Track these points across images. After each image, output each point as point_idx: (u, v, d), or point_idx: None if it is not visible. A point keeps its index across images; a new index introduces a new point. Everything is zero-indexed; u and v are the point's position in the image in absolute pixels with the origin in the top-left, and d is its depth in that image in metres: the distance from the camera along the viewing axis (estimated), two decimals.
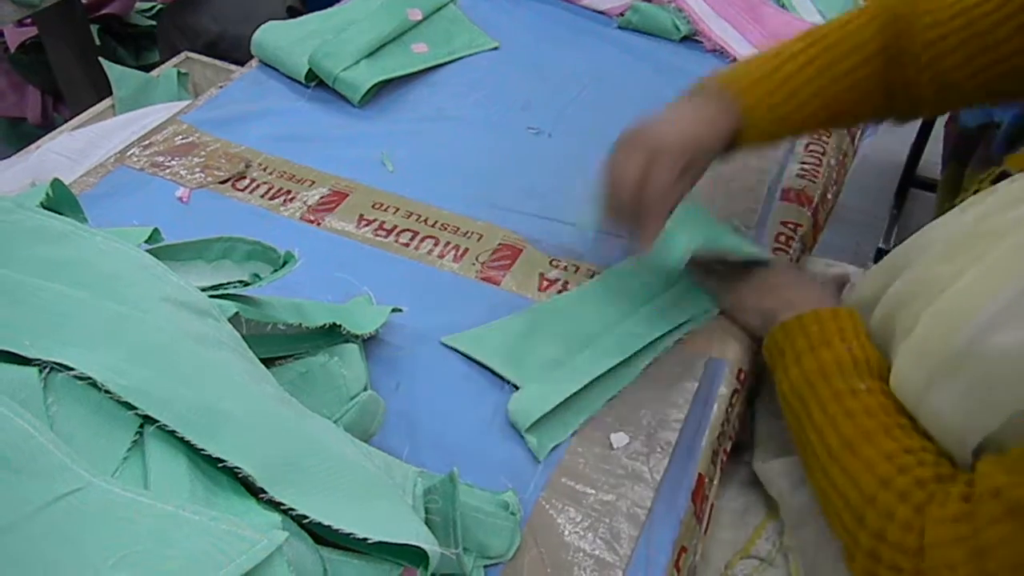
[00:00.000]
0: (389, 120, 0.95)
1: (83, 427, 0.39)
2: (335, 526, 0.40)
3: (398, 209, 0.82)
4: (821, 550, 0.59)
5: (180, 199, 0.81)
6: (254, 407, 0.43)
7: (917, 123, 1.72)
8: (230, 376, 0.44)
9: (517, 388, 0.64)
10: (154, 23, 1.84)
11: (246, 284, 0.57)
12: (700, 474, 0.61)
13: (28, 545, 0.33)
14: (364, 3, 1.04)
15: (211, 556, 0.34)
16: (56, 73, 1.59)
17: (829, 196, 0.92)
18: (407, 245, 0.78)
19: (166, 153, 0.87)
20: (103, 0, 1.77)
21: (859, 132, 1.06)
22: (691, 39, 1.11)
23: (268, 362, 0.56)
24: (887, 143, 1.85)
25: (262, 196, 0.83)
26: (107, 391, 0.40)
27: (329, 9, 1.06)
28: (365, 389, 0.59)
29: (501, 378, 0.66)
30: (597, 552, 0.56)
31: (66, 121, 1.29)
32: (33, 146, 1.18)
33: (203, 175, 0.84)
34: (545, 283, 0.75)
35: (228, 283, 0.56)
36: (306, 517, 0.40)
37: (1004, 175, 0.61)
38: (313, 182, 0.85)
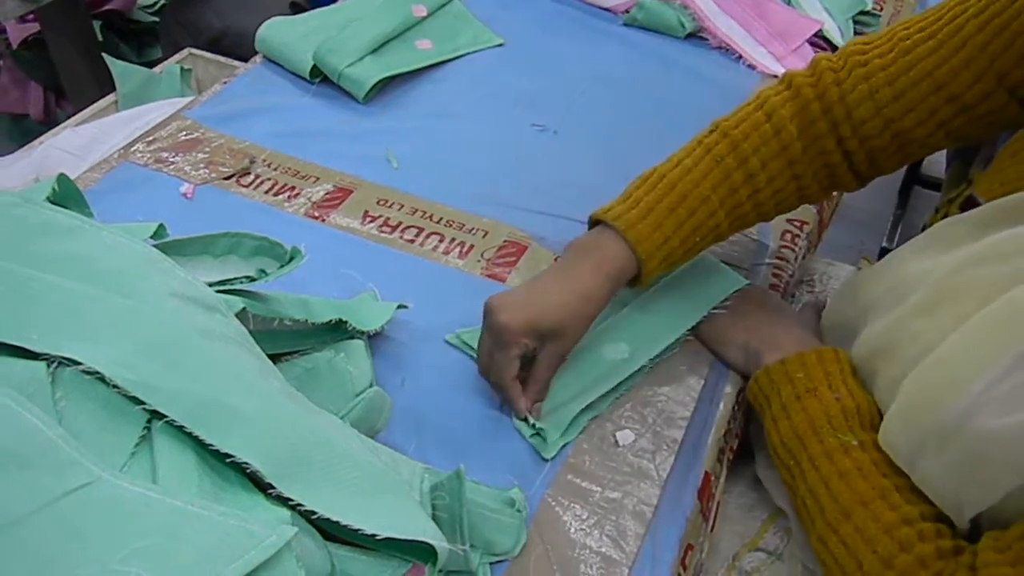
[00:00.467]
0: (393, 116, 0.94)
1: (91, 422, 0.39)
2: (343, 522, 0.40)
3: (403, 206, 0.82)
4: None
5: (184, 195, 0.81)
6: (262, 402, 0.43)
7: None
8: (238, 371, 0.44)
9: None
10: (157, 19, 1.84)
11: (252, 280, 0.57)
12: (706, 472, 0.61)
13: (37, 539, 0.33)
14: None
15: (221, 551, 0.34)
16: (59, 69, 1.59)
17: (834, 193, 0.92)
18: (412, 242, 0.78)
19: (170, 149, 0.87)
20: None
21: None
22: (696, 36, 1.11)
23: (274, 358, 0.56)
24: None
25: (266, 192, 0.83)
26: (115, 386, 0.40)
27: (333, 5, 1.06)
28: (371, 385, 0.59)
29: None
30: (603, 549, 0.55)
31: (69, 117, 1.29)
32: (36, 142, 1.18)
33: (207, 171, 0.84)
34: None
35: (235, 278, 0.56)
36: (314, 513, 0.40)
37: (972, 200, 0.60)
38: (318, 178, 0.85)
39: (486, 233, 0.79)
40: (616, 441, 0.62)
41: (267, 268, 0.57)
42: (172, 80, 1.41)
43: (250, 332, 0.50)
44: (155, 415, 0.40)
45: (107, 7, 1.76)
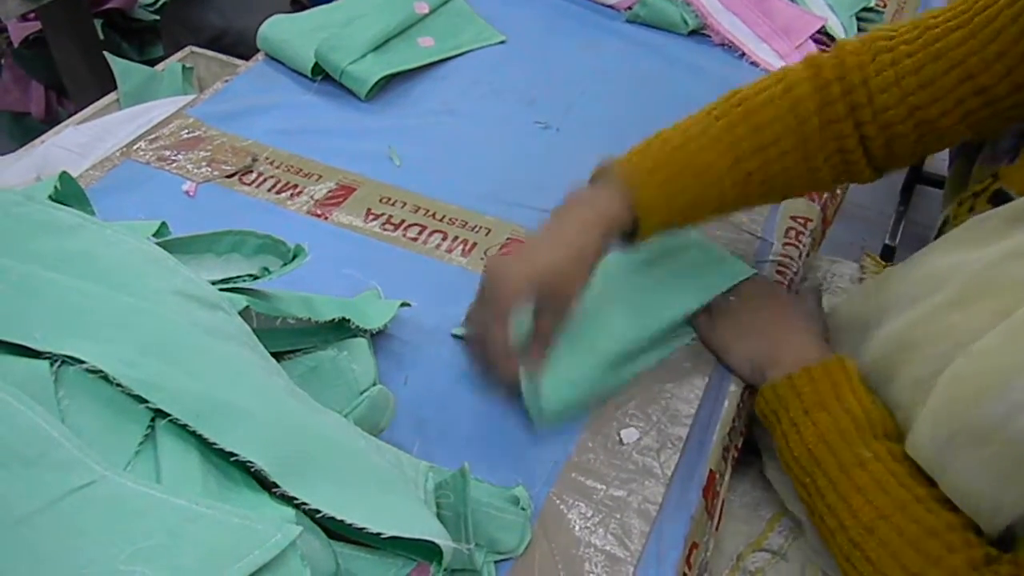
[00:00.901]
0: (396, 114, 0.94)
1: (95, 420, 0.39)
2: (348, 520, 0.40)
3: (406, 203, 0.82)
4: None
5: (187, 193, 0.81)
6: (266, 401, 0.43)
7: None
8: (241, 369, 0.44)
9: None
10: (158, 17, 1.84)
11: (255, 278, 0.57)
12: (711, 470, 0.61)
13: (41, 539, 0.33)
14: None
15: (225, 550, 0.34)
16: (60, 68, 1.59)
17: (838, 190, 0.92)
18: (415, 239, 0.78)
19: (172, 147, 0.86)
20: None
21: None
22: (699, 33, 1.10)
23: (278, 356, 0.56)
24: None
25: (269, 190, 0.82)
26: (118, 384, 0.39)
27: (335, 2, 1.06)
28: (374, 384, 0.59)
29: None
30: (608, 548, 0.55)
31: (70, 116, 1.29)
32: (38, 140, 1.18)
33: (210, 169, 0.84)
34: None
35: (238, 276, 0.56)
36: (319, 511, 0.40)
37: (1001, 193, 0.59)
38: (320, 176, 0.84)
39: (489, 231, 0.79)
40: (621, 439, 0.62)
41: (270, 266, 0.57)
42: (174, 78, 1.41)
43: (253, 330, 0.50)
44: (159, 414, 0.40)
45: (108, 5, 1.76)
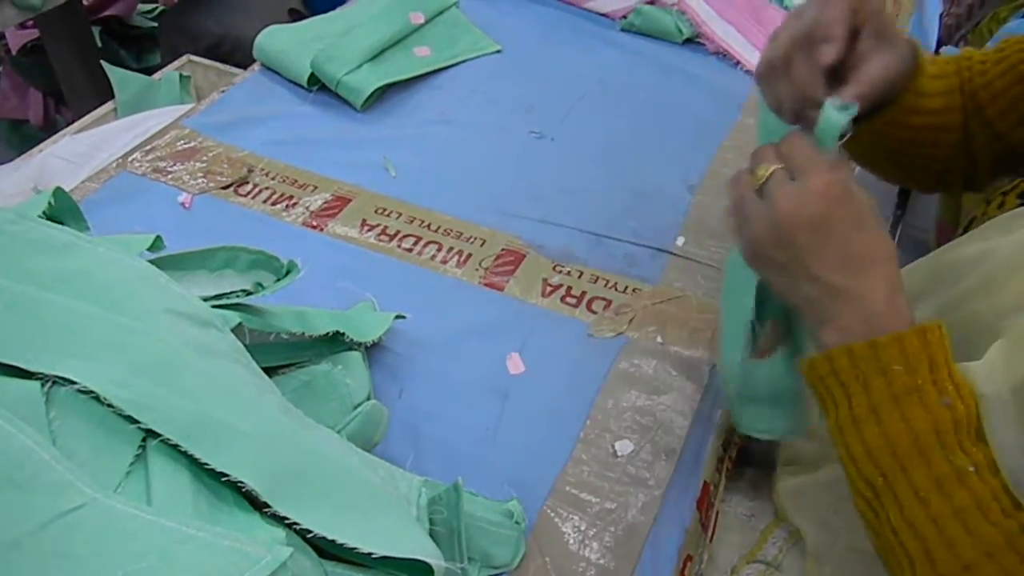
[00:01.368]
0: (391, 124, 0.94)
1: (85, 442, 0.39)
2: (339, 540, 0.40)
3: (401, 214, 0.82)
4: None
5: (183, 205, 0.81)
6: (257, 419, 0.43)
7: None
8: (233, 388, 0.44)
9: None
10: (155, 25, 1.84)
11: (249, 293, 0.57)
12: (705, 482, 0.61)
13: (31, 562, 0.33)
14: (366, 7, 1.04)
15: (215, 573, 0.34)
16: (58, 75, 1.59)
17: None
18: (410, 251, 0.78)
19: (168, 158, 0.87)
20: (105, 2, 1.76)
21: None
22: (694, 41, 1.11)
23: (271, 370, 0.56)
24: None
25: (264, 202, 0.82)
26: (109, 404, 0.39)
27: (331, 13, 1.06)
28: (368, 398, 0.59)
29: (507, 386, 0.66)
30: (602, 561, 0.55)
31: (68, 123, 1.29)
32: (35, 149, 1.18)
33: (205, 180, 0.84)
34: (548, 288, 0.75)
35: (231, 292, 0.56)
36: (310, 531, 0.40)
37: None
38: (315, 187, 0.84)
39: (484, 241, 0.79)
40: (615, 451, 0.62)
41: (263, 281, 0.57)
42: (171, 87, 1.41)
43: (246, 346, 0.50)
44: (150, 434, 0.40)
45: (106, 13, 1.76)
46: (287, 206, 0.82)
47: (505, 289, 0.74)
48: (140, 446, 0.40)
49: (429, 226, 0.81)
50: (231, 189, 0.84)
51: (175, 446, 0.39)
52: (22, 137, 1.80)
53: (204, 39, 1.57)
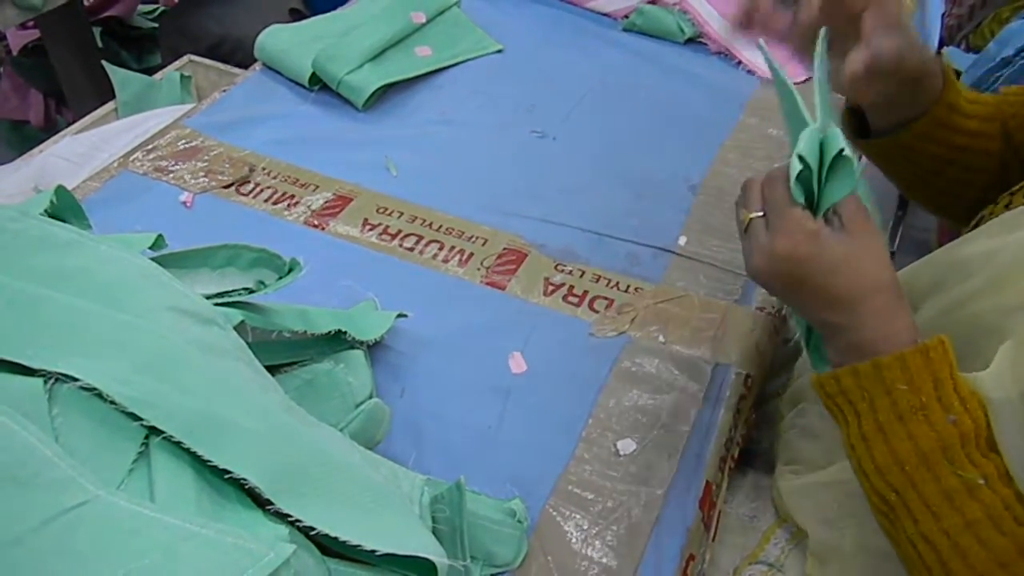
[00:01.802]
0: (393, 124, 0.94)
1: (88, 438, 0.39)
2: (342, 538, 0.40)
3: (402, 213, 0.82)
4: None
5: (184, 204, 0.81)
6: (260, 417, 0.43)
7: None
8: (236, 385, 0.44)
9: None
10: (156, 25, 1.84)
11: (251, 291, 0.57)
12: (707, 481, 0.61)
13: (34, 559, 0.33)
14: (368, 6, 1.04)
15: (218, 570, 0.34)
16: (59, 76, 1.59)
17: None
18: (412, 250, 0.78)
19: (170, 158, 0.87)
20: (105, 2, 1.77)
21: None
22: (696, 41, 1.11)
23: (273, 369, 0.56)
24: None
25: (266, 201, 0.82)
26: (112, 401, 0.39)
27: (332, 12, 1.06)
28: (371, 396, 0.59)
29: (509, 385, 0.66)
30: (604, 560, 0.55)
31: (69, 124, 1.29)
32: (36, 150, 1.18)
33: (207, 180, 0.84)
34: (550, 287, 0.75)
35: (233, 290, 0.56)
36: (313, 528, 0.40)
37: None
38: (317, 186, 0.84)
39: (485, 241, 0.79)
40: (617, 450, 0.62)
41: (266, 280, 0.57)
42: (172, 87, 1.41)
43: (249, 344, 0.50)
44: (153, 431, 0.40)
45: (107, 13, 1.76)
46: (288, 205, 0.82)
47: (507, 288, 0.74)
48: (143, 443, 0.40)
49: (431, 225, 0.81)
50: (232, 188, 0.84)
51: (178, 443, 0.39)
52: (23, 138, 1.80)
53: (205, 39, 1.57)
